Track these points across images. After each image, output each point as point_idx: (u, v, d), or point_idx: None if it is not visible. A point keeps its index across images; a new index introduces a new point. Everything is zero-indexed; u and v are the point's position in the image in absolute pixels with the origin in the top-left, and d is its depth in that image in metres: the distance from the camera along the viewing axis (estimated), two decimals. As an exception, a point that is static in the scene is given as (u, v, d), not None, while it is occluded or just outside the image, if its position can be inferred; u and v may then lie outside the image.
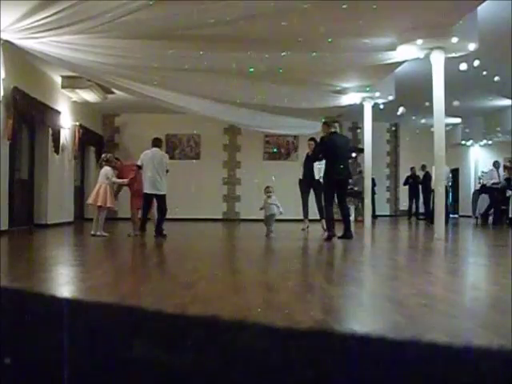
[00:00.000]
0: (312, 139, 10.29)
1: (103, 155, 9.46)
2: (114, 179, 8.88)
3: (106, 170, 8.87)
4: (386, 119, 16.92)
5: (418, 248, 8.45)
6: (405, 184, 17.41)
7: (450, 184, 15.88)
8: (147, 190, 8.72)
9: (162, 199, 8.84)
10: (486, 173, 16.03)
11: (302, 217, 11.00)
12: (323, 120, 8.73)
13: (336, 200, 8.47)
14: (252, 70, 8.71)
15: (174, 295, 3.43)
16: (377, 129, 14.69)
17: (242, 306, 3.04)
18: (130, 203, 9.25)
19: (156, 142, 9.06)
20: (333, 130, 8.41)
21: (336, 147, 8.20)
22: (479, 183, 17.51)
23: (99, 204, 8.69)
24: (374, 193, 15.21)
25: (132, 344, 0.59)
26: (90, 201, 8.99)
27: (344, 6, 6.64)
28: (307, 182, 10.51)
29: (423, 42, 8.26)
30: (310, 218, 10.83)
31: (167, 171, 8.90)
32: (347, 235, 8.13)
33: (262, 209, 9.29)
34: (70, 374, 0.57)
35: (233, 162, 16.70)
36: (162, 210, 8.89)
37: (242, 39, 7.81)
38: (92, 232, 8.70)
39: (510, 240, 9.77)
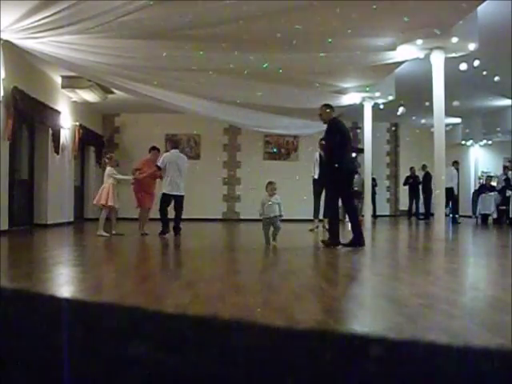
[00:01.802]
0: (323, 139, 9.98)
1: (107, 155, 9.71)
2: (119, 176, 9.04)
3: (108, 169, 9.03)
4: (386, 119, 16.91)
5: (418, 248, 8.45)
6: (405, 184, 17.40)
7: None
8: (167, 190, 8.78)
9: (180, 200, 8.90)
10: (485, 173, 16.03)
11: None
12: (324, 103, 7.51)
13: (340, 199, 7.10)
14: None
15: (174, 295, 3.43)
16: (377, 129, 14.70)
17: (241, 305, 3.04)
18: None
19: (174, 144, 9.16)
20: (335, 115, 7.38)
21: (346, 133, 7.21)
22: (479, 183, 17.52)
23: (102, 202, 8.83)
24: (374, 192, 15.20)
25: (132, 344, 0.59)
26: (94, 201, 9.26)
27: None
28: (321, 182, 10.45)
29: (423, 42, 8.26)
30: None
31: None
32: (361, 242, 6.89)
33: (262, 214, 7.24)
34: (69, 374, 0.57)
35: (233, 161, 16.70)
36: (179, 210, 8.94)
37: (242, 39, 7.81)
38: (113, 232, 8.85)
39: (510, 240, 9.77)
